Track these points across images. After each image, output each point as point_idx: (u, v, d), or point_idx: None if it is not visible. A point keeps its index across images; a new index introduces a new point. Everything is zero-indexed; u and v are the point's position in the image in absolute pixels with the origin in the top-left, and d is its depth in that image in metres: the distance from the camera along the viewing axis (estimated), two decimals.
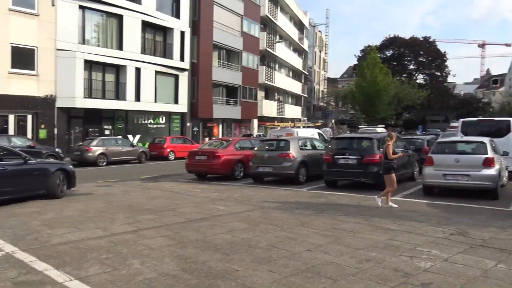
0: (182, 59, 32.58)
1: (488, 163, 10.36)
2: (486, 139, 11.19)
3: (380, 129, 31.40)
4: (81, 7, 25.45)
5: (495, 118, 16.54)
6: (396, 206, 9.65)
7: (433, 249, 6.17)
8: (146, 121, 30.99)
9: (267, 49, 46.07)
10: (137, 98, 29.23)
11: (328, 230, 7.40)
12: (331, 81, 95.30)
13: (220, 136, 37.15)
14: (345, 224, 7.85)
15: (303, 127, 45.46)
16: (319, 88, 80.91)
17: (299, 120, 60.00)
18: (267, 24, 46.65)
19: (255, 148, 15.34)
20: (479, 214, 8.82)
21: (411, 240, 6.68)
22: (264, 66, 45.70)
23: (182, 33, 32.47)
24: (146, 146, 27.35)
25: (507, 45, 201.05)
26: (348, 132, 45.10)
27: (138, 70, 29.02)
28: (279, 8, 50.23)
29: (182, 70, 32.84)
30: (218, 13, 36.00)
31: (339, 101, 68.04)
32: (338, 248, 6.23)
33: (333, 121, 67.78)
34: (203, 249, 6.21)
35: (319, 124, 57.58)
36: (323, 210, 9.35)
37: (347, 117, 74.69)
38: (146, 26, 29.88)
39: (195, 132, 35.27)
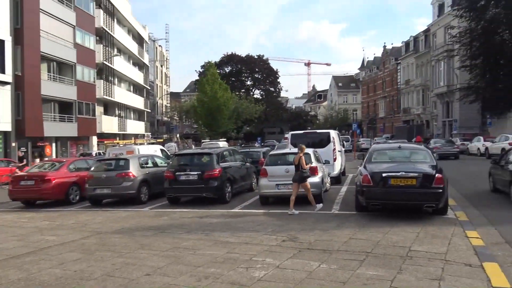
0: (2, 71, 28.75)
1: (313, 171, 11.54)
2: (310, 150, 12.45)
3: (222, 143, 32.55)
4: None
5: (318, 131, 18.54)
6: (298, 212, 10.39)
7: (267, 258, 6.58)
8: None
9: (105, 62, 43.87)
10: None
11: (169, 250, 7.30)
12: (174, 96, 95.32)
13: (54, 156, 33.83)
14: (186, 242, 7.85)
15: (147, 143, 44.39)
16: (162, 102, 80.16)
17: (143, 135, 58.43)
18: (104, 37, 44.44)
19: (92, 169, 14.38)
20: (307, 219, 9.73)
21: (248, 251, 7.01)
22: (102, 80, 43.34)
23: (2, 42, 28.72)
24: None
25: (327, 64, 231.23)
26: (193, 146, 45.67)
27: None
28: (115, 20, 48.34)
29: (3, 83, 28.98)
30: (46, 22, 32.86)
31: (183, 116, 68.57)
32: (178, 268, 6.18)
33: (177, 135, 67.72)
34: None
35: (162, 140, 56.95)
36: (165, 229, 9.20)
37: (191, 131, 75.59)
38: None
39: (23, 153, 31.35)
